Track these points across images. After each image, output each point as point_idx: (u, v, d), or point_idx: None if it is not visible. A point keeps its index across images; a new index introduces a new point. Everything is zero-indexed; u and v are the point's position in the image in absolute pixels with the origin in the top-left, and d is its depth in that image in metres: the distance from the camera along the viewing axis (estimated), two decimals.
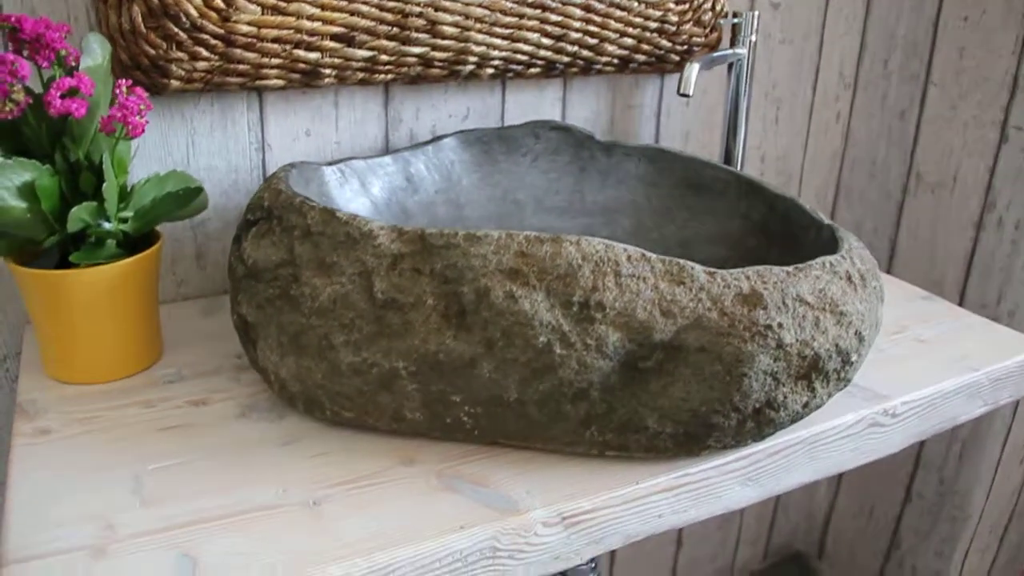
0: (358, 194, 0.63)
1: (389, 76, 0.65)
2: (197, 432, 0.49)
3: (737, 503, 0.51)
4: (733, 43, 0.75)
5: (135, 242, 0.55)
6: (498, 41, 0.67)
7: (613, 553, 1.07)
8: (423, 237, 0.45)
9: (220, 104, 0.64)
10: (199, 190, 0.56)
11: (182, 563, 0.38)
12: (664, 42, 0.76)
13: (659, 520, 0.48)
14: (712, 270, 0.44)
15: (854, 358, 0.46)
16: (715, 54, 0.73)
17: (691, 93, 0.66)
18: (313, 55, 0.61)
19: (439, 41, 0.65)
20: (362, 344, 0.45)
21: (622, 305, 0.43)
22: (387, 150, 0.72)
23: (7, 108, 0.47)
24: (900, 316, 0.67)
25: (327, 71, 0.62)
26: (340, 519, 0.42)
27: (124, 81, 0.50)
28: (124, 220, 0.54)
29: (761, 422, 0.45)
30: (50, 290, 0.51)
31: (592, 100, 0.79)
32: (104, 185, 0.50)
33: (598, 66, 0.74)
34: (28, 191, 0.48)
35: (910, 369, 0.58)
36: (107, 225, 0.52)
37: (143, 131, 0.49)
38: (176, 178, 0.57)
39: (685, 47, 0.78)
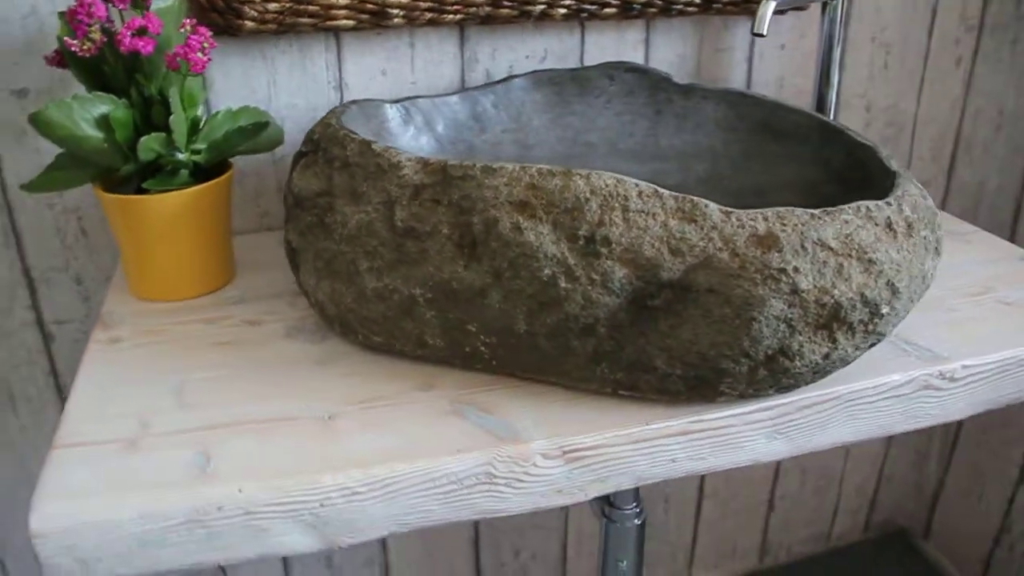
0: (422, 132, 0.65)
1: (458, 16, 0.66)
2: (245, 348, 0.53)
3: (765, 455, 0.49)
4: None
5: (208, 172, 0.60)
6: None
7: (699, 508, 1.05)
8: (445, 169, 0.46)
9: (299, 44, 0.67)
10: (266, 124, 0.59)
11: (196, 459, 0.42)
12: None
13: (673, 464, 0.47)
14: (729, 210, 0.42)
15: (885, 310, 0.43)
16: None
17: (765, 32, 0.63)
18: None
19: None
20: (383, 271, 0.47)
21: (628, 241, 0.42)
22: (462, 90, 0.73)
23: (85, 47, 0.51)
24: (990, 275, 0.62)
25: (395, 11, 0.64)
26: (350, 433, 0.45)
27: (189, 20, 0.53)
28: (196, 152, 0.58)
29: (776, 370, 0.44)
30: (127, 214, 0.56)
31: (677, 43, 0.77)
32: (172, 118, 0.54)
33: (678, 6, 0.71)
34: (104, 123, 0.53)
35: (983, 331, 0.54)
36: (179, 156, 0.57)
37: (203, 67, 0.53)
38: (248, 113, 0.61)
39: None
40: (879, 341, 0.45)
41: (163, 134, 0.54)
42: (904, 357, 0.51)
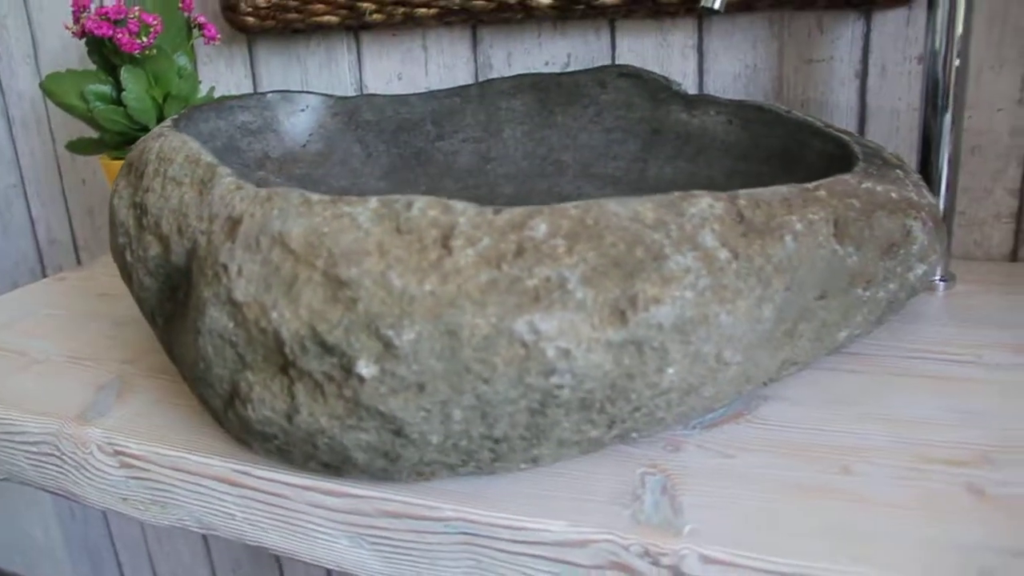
0: (349, 132, 0.60)
1: (433, 10, 0.61)
2: None
3: (353, 566, 0.35)
4: None
5: None
6: None
7: None
8: None
9: (326, 45, 0.69)
10: None
11: None
12: None
13: (233, 523, 0.37)
14: (242, 183, 0.32)
15: (365, 371, 0.27)
16: None
17: (718, 6, 0.44)
18: None
19: None
20: None
21: (158, 211, 0.35)
22: (430, 90, 0.66)
23: (75, 29, 0.61)
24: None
25: (366, 5, 0.62)
26: None
27: (135, 8, 0.60)
28: None
29: (243, 422, 0.31)
30: (110, 178, 0.65)
31: (746, 49, 0.58)
32: (123, 93, 0.61)
33: None
34: (86, 94, 0.62)
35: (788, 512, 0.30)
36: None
37: (134, 48, 0.59)
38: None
39: None
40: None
41: (120, 107, 0.62)
42: (609, 506, 0.32)
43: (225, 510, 0.36)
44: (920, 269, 0.40)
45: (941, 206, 0.50)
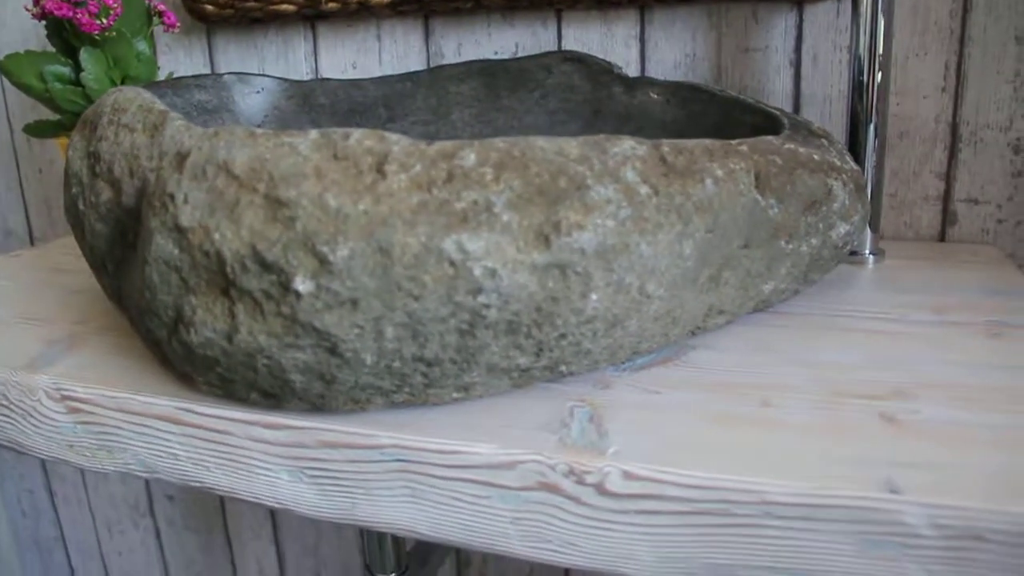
0: (302, 114, 0.62)
1: None
2: None
3: (295, 502, 0.36)
4: None
5: None
6: None
7: None
8: None
9: (283, 35, 0.71)
10: None
11: None
12: None
13: (176, 463, 0.38)
14: (190, 125, 0.34)
15: (302, 287, 0.29)
16: None
17: None
18: None
19: None
20: None
21: (110, 157, 0.36)
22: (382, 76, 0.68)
23: (34, 11, 0.62)
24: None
25: None
26: None
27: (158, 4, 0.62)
28: None
29: (186, 347, 0.32)
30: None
31: (686, 39, 0.60)
32: (81, 74, 0.62)
33: None
34: (43, 75, 0.63)
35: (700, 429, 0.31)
36: None
37: (93, 29, 0.60)
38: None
39: None
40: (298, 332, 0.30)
41: (79, 87, 0.63)
42: (538, 432, 0.33)
43: (169, 450, 0.37)
44: (843, 228, 0.43)
45: (869, 187, 0.53)
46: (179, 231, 0.30)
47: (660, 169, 0.33)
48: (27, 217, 0.89)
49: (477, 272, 0.29)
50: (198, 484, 0.37)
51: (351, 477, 0.34)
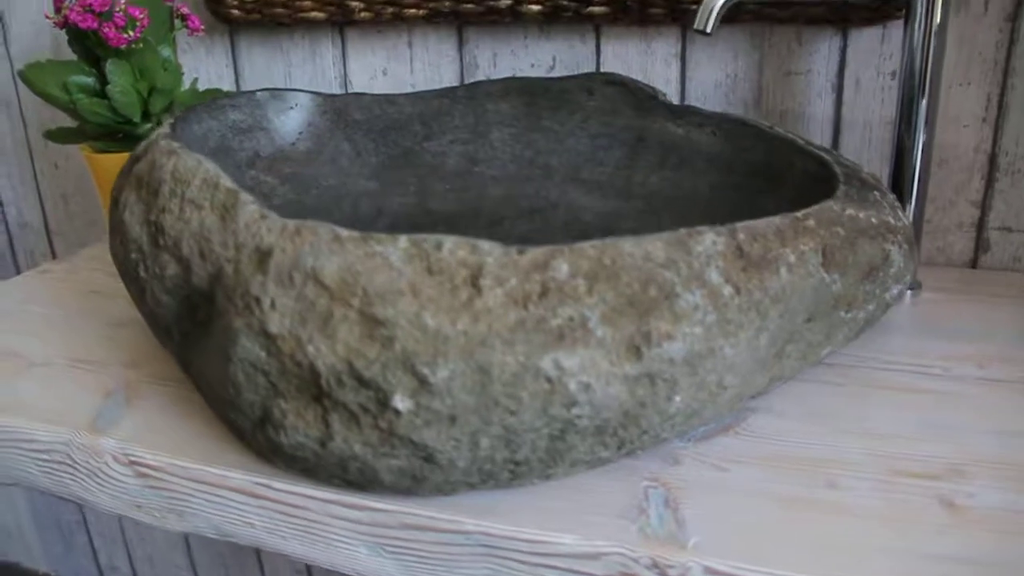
0: (338, 130, 0.61)
1: (423, 11, 0.61)
2: None
3: (375, 574, 0.37)
4: None
5: None
6: None
7: None
8: None
9: (310, 38, 0.69)
10: None
11: None
12: None
13: (253, 532, 0.38)
14: (267, 213, 0.33)
15: (401, 405, 0.29)
16: None
17: (710, 31, 0.46)
18: None
19: None
20: None
21: (177, 232, 0.36)
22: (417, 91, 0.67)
23: (57, 19, 0.60)
24: None
25: (355, 3, 0.62)
26: None
27: (123, 2, 0.59)
28: (159, 123, 0.64)
29: (272, 444, 0.33)
30: (94, 168, 0.64)
31: (728, 59, 0.60)
32: (107, 87, 0.60)
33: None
34: (67, 85, 0.62)
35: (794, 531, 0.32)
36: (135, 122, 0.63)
37: (121, 43, 0.58)
38: (212, 93, 0.65)
39: None
40: (427, 460, 0.31)
41: (104, 99, 0.61)
42: (617, 519, 0.34)
43: (244, 519, 0.38)
44: (895, 289, 0.43)
45: (911, 216, 0.53)
46: (267, 336, 0.31)
47: (739, 264, 0.33)
48: (43, 211, 0.87)
49: (572, 387, 0.29)
50: (274, 551, 0.38)
51: (435, 555, 0.35)
